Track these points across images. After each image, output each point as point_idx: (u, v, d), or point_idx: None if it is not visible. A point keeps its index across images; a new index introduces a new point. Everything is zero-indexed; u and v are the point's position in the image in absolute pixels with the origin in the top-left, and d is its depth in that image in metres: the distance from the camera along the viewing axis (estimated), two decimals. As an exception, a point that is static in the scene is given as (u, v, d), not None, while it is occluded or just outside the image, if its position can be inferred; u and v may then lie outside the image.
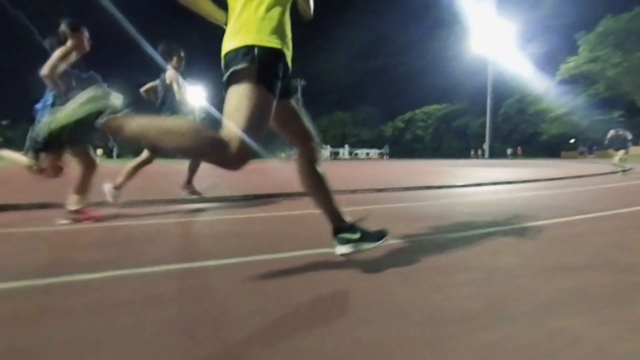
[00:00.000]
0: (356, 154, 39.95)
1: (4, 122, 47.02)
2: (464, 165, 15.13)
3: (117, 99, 1.11)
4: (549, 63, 35.38)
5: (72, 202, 2.60)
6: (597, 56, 31.21)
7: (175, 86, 3.51)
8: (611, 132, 9.94)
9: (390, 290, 1.27)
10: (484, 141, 36.04)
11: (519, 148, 40.00)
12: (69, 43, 2.58)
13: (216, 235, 2.27)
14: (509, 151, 39.28)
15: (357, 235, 1.45)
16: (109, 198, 3.06)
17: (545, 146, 40.29)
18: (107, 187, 3.09)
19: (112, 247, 1.92)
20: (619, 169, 8.79)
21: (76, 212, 2.58)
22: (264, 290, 1.26)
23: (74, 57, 2.60)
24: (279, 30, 1.22)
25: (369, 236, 1.47)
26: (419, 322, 1.01)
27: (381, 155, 39.27)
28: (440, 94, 56.76)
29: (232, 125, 1.12)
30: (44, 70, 2.44)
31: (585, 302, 1.13)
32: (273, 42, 1.19)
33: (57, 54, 2.48)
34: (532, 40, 38.00)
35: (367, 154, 39.77)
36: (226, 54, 1.23)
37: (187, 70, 3.80)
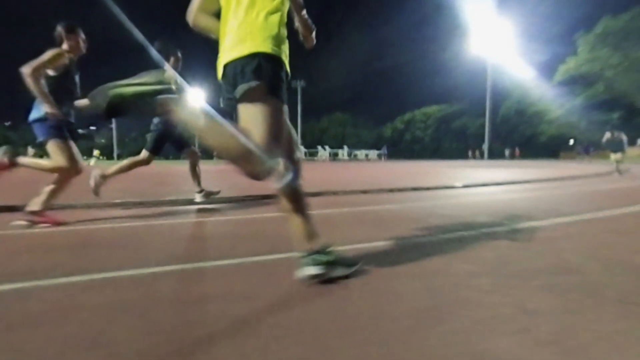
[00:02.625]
0: (355, 155, 39.86)
1: (7, 124, 47.27)
2: (460, 166, 15.04)
3: (175, 85, 1.23)
4: (548, 64, 35.36)
5: (34, 203, 2.52)
6: (597, 57, 31.09)
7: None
8: (607, 134, 9.93)
9: (337, 300, 1.19)
10: (483, 142, 35.87)
11: (516, 149, 39.82)
12: (65, 45, 2.49)
13: (173, 239, 2.19)
14: (506, 152, 39.11)
15: (329, 258, 1.38)
16: (91, 182, 3.08)
17: (544, 147, 40.14)
18: (95, 172, 3.10)
19: (66, 252, 1.84)
20: (616, 170, 8.78)
21: (36, 213, 2.50)
22: (227, 295, 1.18)
23: (67, 60, 2.50)
24: (278, 38, 1.24)
25: (340, 261, 1.42)
26: (347, 341, 0.93)
27: (380, 156, 39.16)
28: (439, 95, 56.74)
29: (254, 141, 1.16)
30: (27, 68, 2.26)
31: (525, 318, 1.05)
32: (275, 50, 1.22)
33: (47, 55, 2.35)
34: (531, 42, 37.96)
35: (367, 155, 39.70)
36: (228, 64, 1.23)
37: (187, 71, 3.73)
